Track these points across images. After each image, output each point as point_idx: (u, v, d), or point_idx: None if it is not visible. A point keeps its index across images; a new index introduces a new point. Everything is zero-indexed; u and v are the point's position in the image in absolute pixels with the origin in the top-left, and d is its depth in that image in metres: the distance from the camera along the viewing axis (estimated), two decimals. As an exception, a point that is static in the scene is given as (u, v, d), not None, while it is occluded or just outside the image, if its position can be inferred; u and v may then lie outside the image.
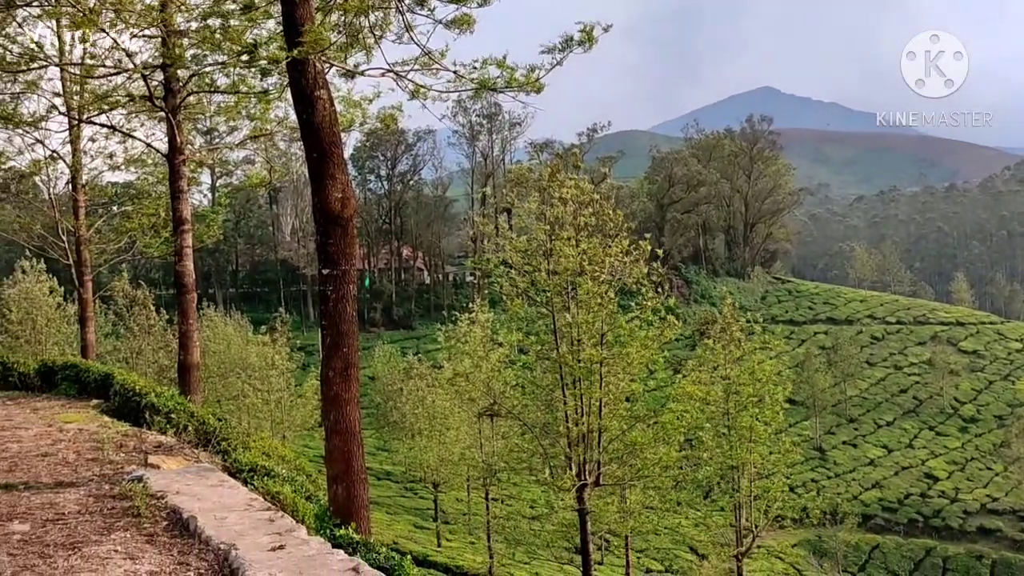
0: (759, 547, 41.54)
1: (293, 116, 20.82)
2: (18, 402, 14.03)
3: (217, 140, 22.58)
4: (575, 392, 19.85)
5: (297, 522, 7.25)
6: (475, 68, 9.53)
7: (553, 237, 19.14)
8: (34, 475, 8.67)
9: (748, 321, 27.05)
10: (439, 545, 41.78)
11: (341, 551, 6.19)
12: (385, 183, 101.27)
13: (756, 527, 26.86)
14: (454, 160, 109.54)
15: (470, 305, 37.12)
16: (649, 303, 19.11)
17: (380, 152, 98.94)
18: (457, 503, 51.14)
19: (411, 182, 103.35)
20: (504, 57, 8.97)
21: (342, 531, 8.08)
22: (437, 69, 9.62)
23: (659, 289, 19.47)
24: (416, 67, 9.45)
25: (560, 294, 19.48)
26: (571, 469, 19.89)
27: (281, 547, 6.07)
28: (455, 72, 9.46)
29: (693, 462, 24.92)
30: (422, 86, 9.65)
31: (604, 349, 19.26)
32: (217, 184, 69.40)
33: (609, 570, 41.24)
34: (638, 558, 43.41)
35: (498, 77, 9.31)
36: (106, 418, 12.20)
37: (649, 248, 19.28)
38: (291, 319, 54.85)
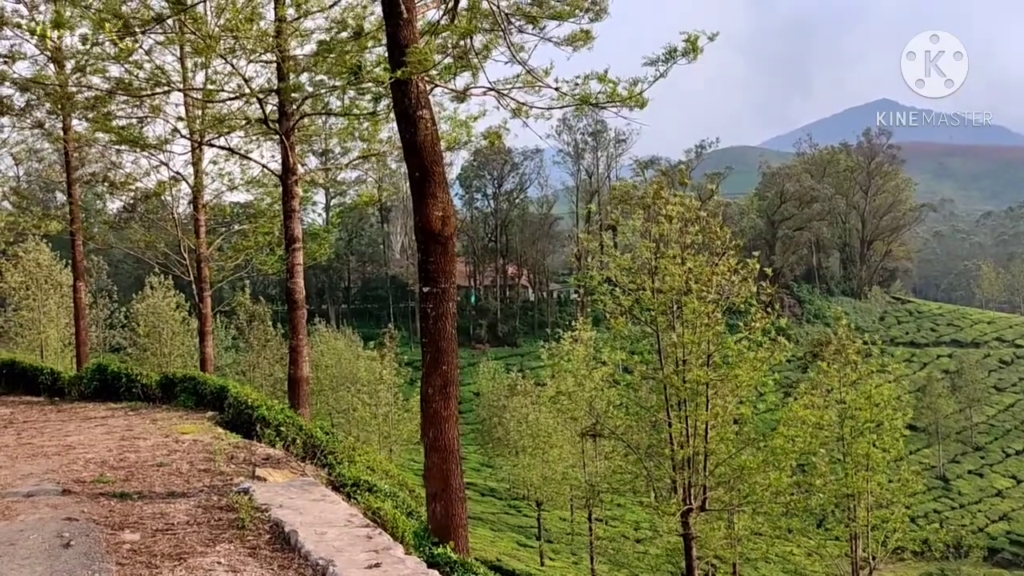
0: (877, 580, 39.47)
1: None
2: (139, 413, 14.71)
3: (331, 161, 23.26)
4: (680, 414, 19.37)
5: (396, 539, 7.26)
6: (576, 84, 9.45)
7: (658, 255, 18.80)
8: (148, 485, 9.01)
9: (865, 342, 25.86)
10: (542, 564, 41.50)
11: (436, 571, 6.14)
12: (491, 202, 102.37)
13: (874, 559, 25.56)
14: (559, 178, 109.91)
15: (573, 323, 36.92)
16: (758, 323, 18.50)
17: (487, 171, 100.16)
18: (560, 522, 50.76)
19: (517, 200, 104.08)
20: (606, 71, 8.85)
21: (440, 549, 8.06)
22: (539, 87, 9.59)
23: (769, 309, 18.83)
24: (518, 85, 9.44)
25: (665, 313, 19.09)
26: (676, 493, 19.39)
27: (377, 565, 6.07)
28: (556, 88, 9.40)
29: (805, 488, 23.91)
30: (524, 104, 9.63)
31: (711, 370, 18.74)
32: (331, 204, 71.66)
33: (716, 597, 40.03)
34: (746, 586, 41.97)
35: (600, 92, 9.19)
36: (220, 430, 12.63)
37: (758, 266, 18.68)
38: (400, 335, 55.99)
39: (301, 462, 10.97)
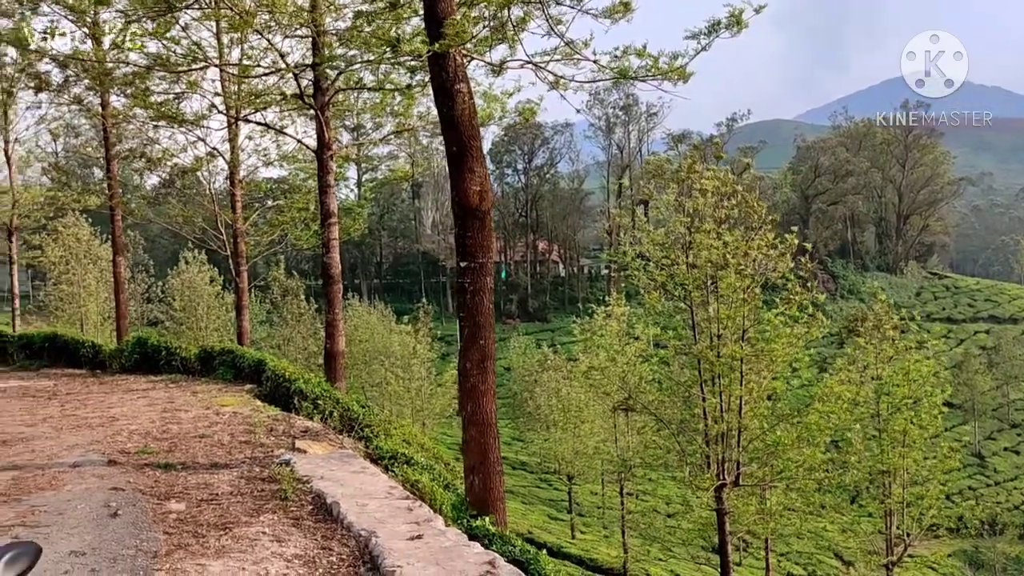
0: (911, 556, 39.20)
1: (434, 111, 21.31)
2: (180, 385, 14.96)
3: (363, 136, 23.31)
4: (714, 389, 19.27)
5: (434, 511, 7.32)
6: (616, 57, 9.33)
7: (692, 229, 18.62)
8: (191, 456, 9.17)
9: (903, 318, 25.50)
10: (573, 537, 41.81)
11: (477, 543, 6.19)
12: (522, 176, 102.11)
13: (908, 535, 25.38)
14: (590, 153, 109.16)
15: (606, 298, 36.82)
16: (796, 299, 18.28)
17: (517, 146, 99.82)
18: (591, 496, 51.01)
19: (547, 175, 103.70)
20: (644, 46, 8.73)
21: (478, 522, 8.11)
22: (578, 60, 9.49)
23: (806, 285, 18.61)
24: (557, 58, 9.34)
25: (700, 288, 18.94)
26: (710, 468, 19.35)
27: (419, 536, 6.13)
28: (595, 61, 9.29)
29: (839, 465, 23.75)
30: (562, 77, 9.54)
31: (746, 345, 18.59)
32: (363, 179, 71.97)
33: (747, 572, 40.05)
34: (778, 561, 41.95)
35: (640, 66, 9.07)
36: (258, 402, 12.81)
37: (796, 241, 18.44)
38: (432, 310, 56.19)
39: (339, 435, 11.09)
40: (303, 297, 43.10)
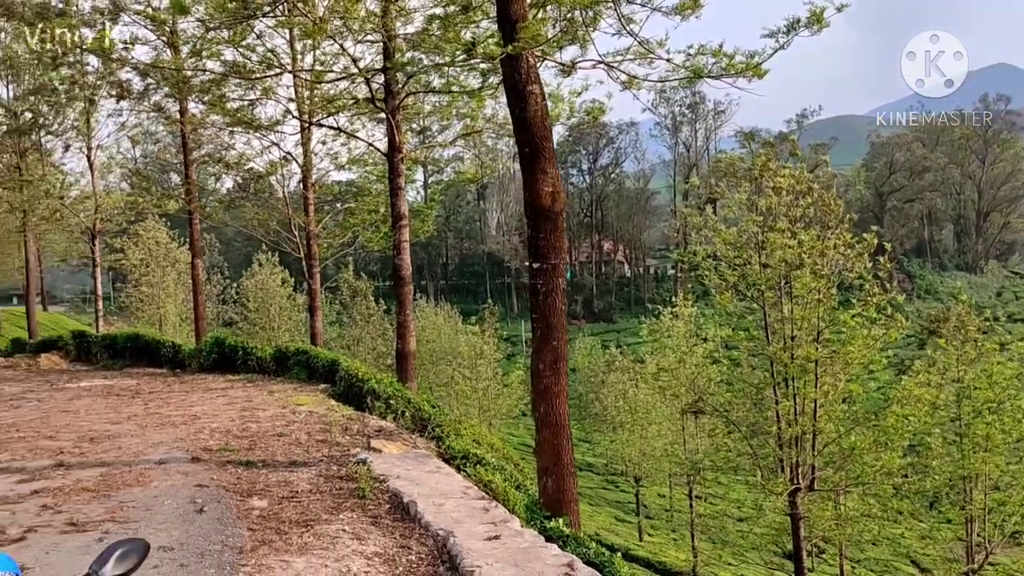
0: (992, 564, 37.75)
1: (502, 114, 21.39)
2: (256, 384, 15.30)
3: (429, 139, 23.54)
4: (787, 392, 18.88)
5: (509, 512, 7.33)
6: (689, 56, 9.23)
7: (766, 228, 18.27)
8: (270, 454, 9.36)
9: (987, 319, 24.58)
10: (640, 539, 41.47)
11: (554, 545, 6.17)
12: (587, 177, 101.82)
13: (989, 543, 24.45)
14: (656, 152, 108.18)
15: (672, 299, 36.45)
16: (873, 300, 17.79)
17: (582, 146, 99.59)
18: (659, 498, 50.52)
19: (612, 175, 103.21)
20: (721, 45, 8.61)
21: (552, 523, 8.09)
22: (651, 59, 9.40)
23: (884, 285, 18.09)
24: (629, 57, 9.28)
25: (773, 288, 18.58)
26: (783, 472, 18.96)
27: (496, 537, 6.14)
28: (669, 60, 9.20)
29: (919, 470, 23.03)
30: (635, 77, 9.47)
31: (821, 347, 18.17)
32: (429, 181, 72.66)
33: (820, 579, 39.13)
34: (852, 568, 40.85)
35: (714, 64, 8.95)
36: (332, 402, 13.02)
37: (875, 241, 17.95)
38: (497, 310, 56.44)
39: (412, 434, 11.19)
40: (372, 298, 43.72)
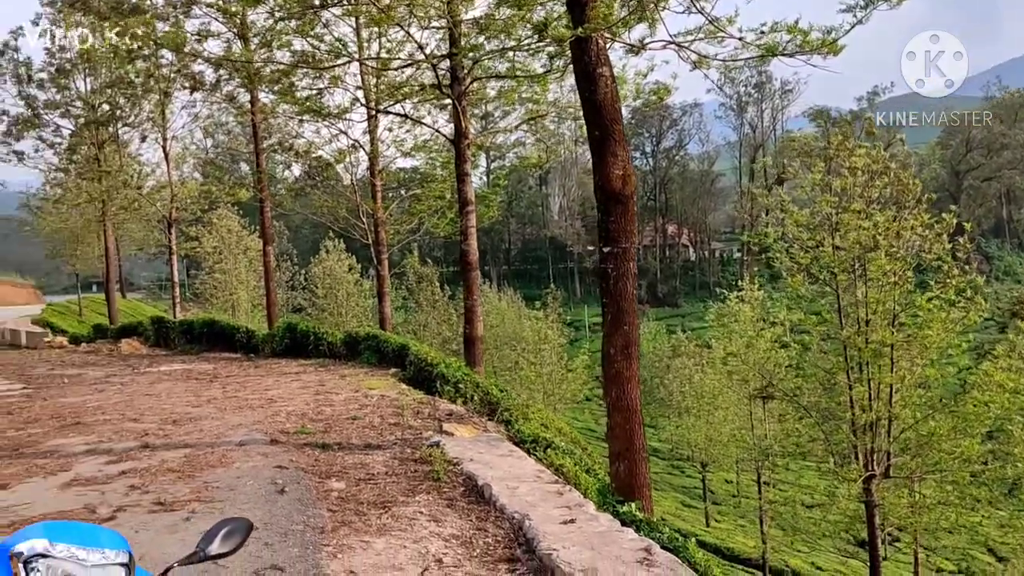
0: (1075, 554, 36.44)
1: (566, 98, 21.29)
2: (328, 369, 15.61)
3: (492, 125, 23.57)
4: (862, 377, 18.43)
5: (582, 496, 7.33)
6: (762, 33, 9.03)
7: (840, 210, 17.81)
8: (345, 437, 9.54)
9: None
10: (707, 525, 41.14)
11: (630, 529, 6.15)
12: (650, 159, 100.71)
13: (1072, 531, 23.58)
14: (721, 133, 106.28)
15: (739, 283, 35.90)
16: (952, 282, 17.22)
17: (645, 128, 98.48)
18: (726, 484, 50.00)
19: (676, 157, 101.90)
20: (796, 21, 8.40)
21: (625, 508, 8.07)
22: (722, 37, 9.22)
23: (964, 267, 17.50)
24: (700, 36, 9.11)
25: (847, 271, 18.12)
26: (857, 459, 18.56)
27: (572, 521, 6.15)
28: (741, 39, 9.01)
29: (998, 456, 22.29)
30: (705, 56, 9.30)
31: (897, 331, 17.67)
32: (491, 167, 72.78)
33: (894, 566, 38.24)
34: (927, 556, 39.85)
35: (788, 41, 8.74)
36: (403, 386, 13.21)
37: (954, 221, 17.35)
38: (560, 295, 56.42)
39: (481, 418, 11.28)
40: (437, 284, 44.11)
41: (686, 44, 9.27)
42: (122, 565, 2.16)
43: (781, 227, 19.58)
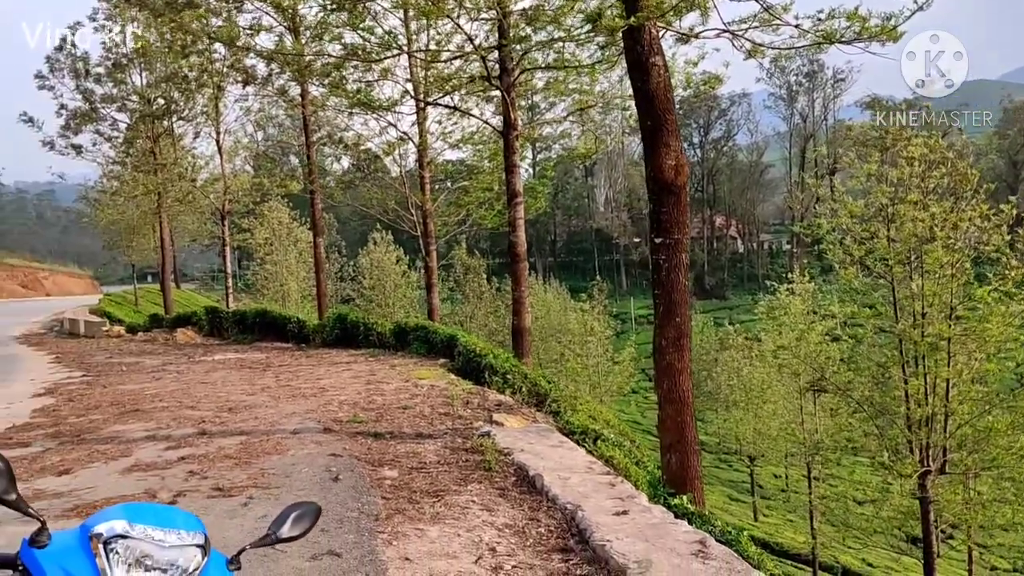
0: None
1: (613, 88, 21.14)
2: (378, 359, 15.76)
3: (537, 116, 23.51)
4: (917, 371, 18.06)
5: (634, 488, 7.31)
6: (819, 20, 8.87)
7: (896, 200, 17.43)
8: (397, 426, 9.63)
9: None
10: (756, 519, 40.72)
11: (684, 522, 6.13)
12: (698, 150, 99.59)
13: None
14: (770, 123, 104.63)
15: (788, 275, 35.40)
16: (1012, 274, 16.75)
17: (693, 119, 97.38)
18: (774, 479, 49.43)
19: (724, 148, 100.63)
20: (856, 8, 8.23)
21: (676, 500, 8.02)
22: (777, 25, 9.08)
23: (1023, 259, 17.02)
24: (754, 25, 8.97)
25: (902, 263, 17.74)
26: (912, 454, 18.20)
27: (624, 512, 6.14)
28: (797, 26, 8.86)
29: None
30: (760, 44, 9.17)
31: (954, 324, 17.27)
32: (537, 159, 72.68)
33: (947, 564, 37.46)
34: (980, 554, 38.94)
35: (846, 28, 8.57)
36: (452, 376, 13.29)
37: (1014, 212, 16.88)
38: (606, 287, 56.20)
39: (530, 409, 11.30)
40: (484, 276, 44.23)
41: (740, 32, 9.13)
42: (198, 546, 2.21)
43: (834, 218, 19.23)
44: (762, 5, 8.92)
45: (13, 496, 2.09)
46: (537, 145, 64.48)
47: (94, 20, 31.49)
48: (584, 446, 9.59)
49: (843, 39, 8.66)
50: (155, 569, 2.12)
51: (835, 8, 8.48)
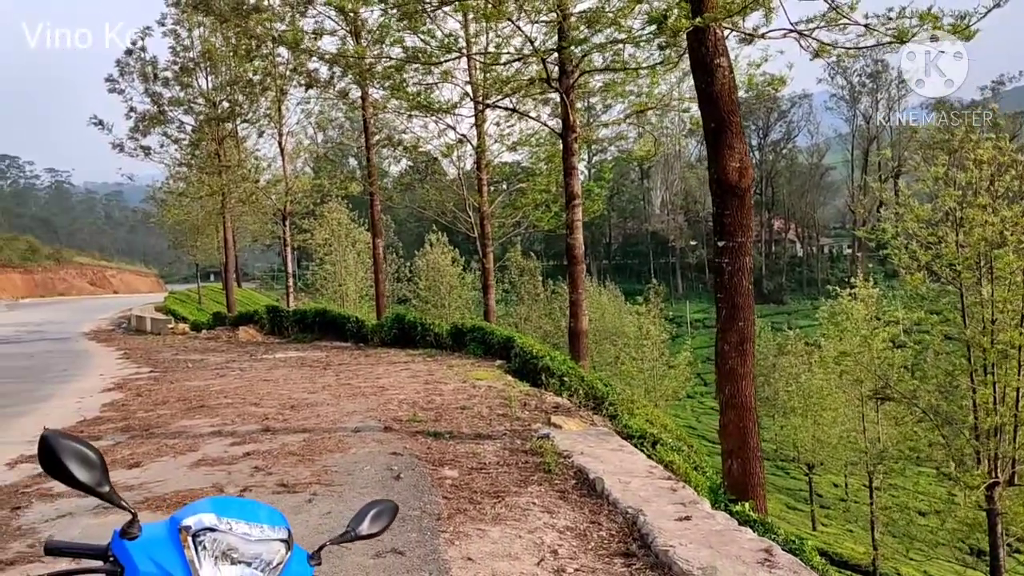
0: None
1: (671, 90, 20.94)
2: (436, 359, 15.87)
3: (592, 119, 23.43)
4: (987, 379, 17.53)
5: (696, 493, 7.23)
6: (889, 19, 8.66)
7: (964, 204, 16.94)
8: (456, 426, 9.69)
9: None
10: (814, 528, 39.90)
11: (749, 529, 6.04)
12: (756, 153, 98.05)
13: None
14: (831, 125, 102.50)
15: (850, 279, 34.66)
16: (1088, 279, 16.18)
17: (751, 121, 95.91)
18: (833, 488, 48.38)
19: (784, 150, 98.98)
20: (930, 8, 8.03)
21: (738, 507, 7.91)
22: (844, 24, 8.90)
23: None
24: (821, 24, 8.81)
25: (971, 268, 17.24)
26: (980, 464, 17.66)
27: (687, 518, 6.08)
28: (866, 26, 8.67)
29: None
30: (828, 44, 9.00)
31: (1027, 332, 16.73)
32: (593, 160, 72.39)
33: (1014, 581, 36.27)
34: (1048, 571, 37.61)
35: (918, 27, 8.36)
36: (509, 377, 13.32)
37: (1087, 216, 16.30)
38: (662, 290, 55.73)
39: (588, 412, 11.27)
40: (539, 278, 44.23)
41: (807, 32, 8.98)
42: (282, 541, 2.24)
43: (900, 222, 18.77)
44: (830, 4, 8.76)
45: (107, 488, 2.14)
46: (593, 147, 64.25)
47: (163, 25, 32.42)
48: (643, 450, 9.53)
49: (915, 38, 8.45)
50: (241, 562, 2.15)
51: (904, 7, 8.27)
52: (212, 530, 2.17)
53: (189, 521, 2.17)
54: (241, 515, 2.24)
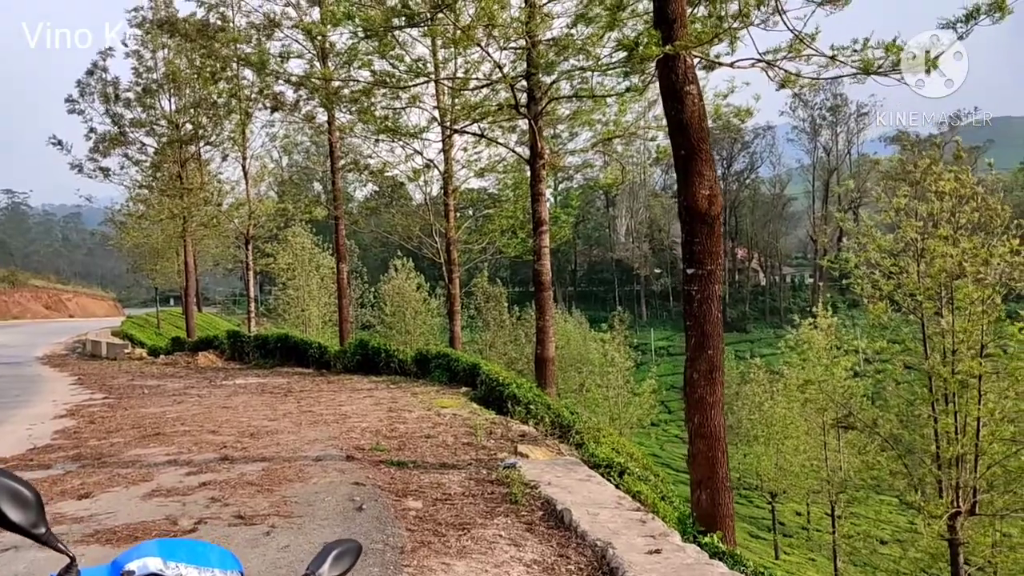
0: None
1: (637, 119, 21.09)
2: (400, 386, 15.63)
3: (559, 146, 23.52)
4: (947, 409, 17.70)
5: (665, 525, 7.11)
6: (854, 51, 8.76)
7: (925, 235, 17.19)
8: (420, 455, 9.48)
9: None
10: (776, 558, 39.94)
11: (720, 562, 5.92)
12: (720, 182, 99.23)
13: None
14: (793, 156, 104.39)
15: (812, 309, 35.06)
16: (1045, 311, 16.45)
17: (716, 151, 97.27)
18: (796, 516, 48.55)
19: (747, 181, 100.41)
20: (895, 39, 8.13)
21: (707, 539, 7.80)
22: (809, 55, 8.98)
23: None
24: (788, 55, 8.88)
25: (932, 299, 17.46)
26: (942, 494, 17.77)
27: (658, 551, 5.94)
28: (832, 57, 8.75)
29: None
30: (793, 74, 9.06)
31: (986, 362, 16.92)
32: (559, 187, 72.78)
33: (975, 610, 36.55)
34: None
35: (883, 59, 8.45)
36: (474, 405, 13.14)
37: (1045, 248, 16.59)
38: (627, 318, 55.90)
39: (555, 440, 11.13)
40: (505, 304, 44.12)
41: (775, 62, 9.05)
42: (234, 586, 2.07)
43: (862, 252, 18.99)
44: (795, 33, 8.83)
45: (43, 530, 1.97)
46: (559, 175, 64.67)
47: (125, 45, 32.01)
48: (611, 480, 9.39)
49: (880, 71, 8.54)
50: (190, 610, 1.99)
51: (867, 38, 8.37)
52: (158, 575, 2.00)
53: (132, 566, 2.00)
54: (190, 559, 2.07)
